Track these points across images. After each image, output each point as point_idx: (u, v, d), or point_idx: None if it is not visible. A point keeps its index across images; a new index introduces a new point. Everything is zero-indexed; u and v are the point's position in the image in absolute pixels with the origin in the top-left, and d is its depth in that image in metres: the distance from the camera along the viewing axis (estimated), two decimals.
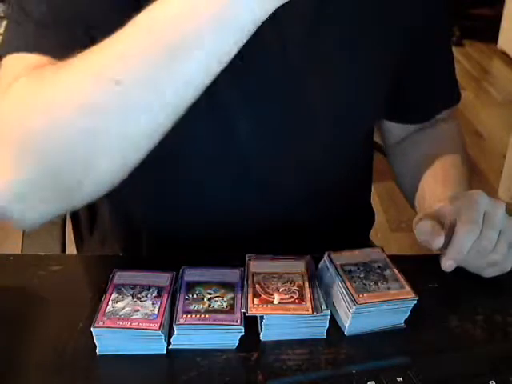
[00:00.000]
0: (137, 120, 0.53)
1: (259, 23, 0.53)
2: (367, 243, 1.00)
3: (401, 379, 0.55)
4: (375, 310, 0.62)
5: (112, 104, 0.52)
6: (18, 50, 0.60)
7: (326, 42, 0.76)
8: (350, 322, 0.63)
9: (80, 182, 0.55)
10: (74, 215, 0.98)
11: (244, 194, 0.82)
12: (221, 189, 0.82)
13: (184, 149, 0.78)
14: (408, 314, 0.64)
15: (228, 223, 0.83)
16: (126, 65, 0.52)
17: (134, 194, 0.85)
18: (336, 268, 0.66)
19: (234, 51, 0.53)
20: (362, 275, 0.65)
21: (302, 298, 0.63)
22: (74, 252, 0.98)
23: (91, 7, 0.62)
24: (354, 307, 0.61)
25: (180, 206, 0.84)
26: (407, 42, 0.82)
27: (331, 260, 0.67)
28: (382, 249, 0.71)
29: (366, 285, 0.64)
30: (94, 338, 0.60)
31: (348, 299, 0.62)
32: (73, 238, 0.98)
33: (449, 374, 0.57)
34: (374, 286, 0.64)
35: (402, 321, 0.64)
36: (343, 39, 0.77)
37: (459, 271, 0.71)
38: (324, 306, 0.62)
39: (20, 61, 0.59)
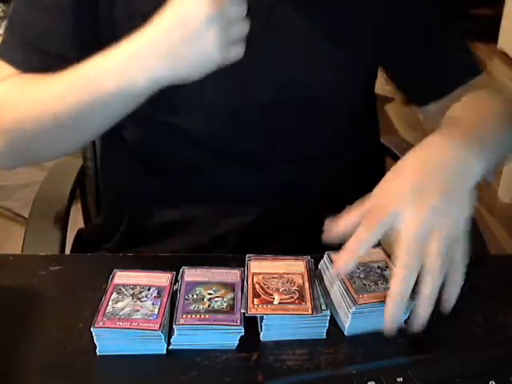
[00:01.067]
0: (69, 138, 0.77)
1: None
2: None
3: (401, 379, 0.55)
4: (375, 310, 0.62)
5: (53, 126, 0.73)
6: (8, 61, 0.78)
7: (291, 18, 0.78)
8: (349, 323, 0.62)
9: (36, 157, 0.82)
10: (84, 197, 1.10)
11: (244, 177, 0.83)
12: (220, 172, 0.83)
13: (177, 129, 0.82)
14: (408, 314, 0.64)
15: (227, 210, 0.83)
16: (59, 106, 0.72)
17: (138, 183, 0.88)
18: None
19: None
20: (361, 275, 0.65)
21: (301, 298, 0.63)
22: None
23: (61, 37, 0.78)
24: (354, 307, 0.61)
25: (180, 192, 0.85)
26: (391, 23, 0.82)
27: (331, 260, 0.67)
28: (383, 249, 0.71)
29: (365, 285, 0.64)
30: (94, 338, 0.60)
31: (348, 299, 0.62)
32: (72, 240, 0.98)
33: (449, 374, 0.57)
34: (373, 287, 0.64)
35: (403, 321, 0.64)
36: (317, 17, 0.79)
37: None
38: (324, 306, 0.62)
39: (6, 68, 0.78)
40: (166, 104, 0.77)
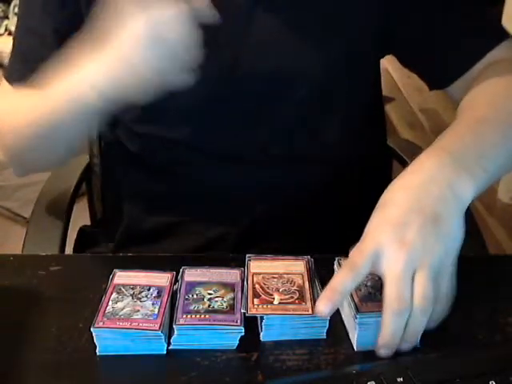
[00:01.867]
0: (52, 150, 0.82)
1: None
2: None
3: (401, 379, 0.55)
4: (381, 320, 0.59)
5: (33, 139, 0.79)
6: (8, 81, 0.84)
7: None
8: (357, 334, 0.61)
9: (34, 168, 0.89)
10: (91, 194, 1.11)
11: (243, 177, 0.83)
12: (219, 173, 0.83)
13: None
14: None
15: (226, 210, 0.83)
16: (31, 130, 0.78)
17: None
18: None
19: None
20: (369, 283, 0.63)
21: (302, 299, 0.63)
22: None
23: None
24: (358, 316, 0.60)
25: (179, 194, 0.85)
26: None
27: (340, 266, 0.66)
28: None
29: (371, 293, 0.62)
30: (94, 338, 0.60)
31: (353, 308, 0.61)
32: (72, 240, 0.98)
33: (449, 374, 0.57)
34: (379, 295, 0.61)
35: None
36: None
37: (459, 271, 0.71)
38: None
39: (6, 85, 0.85)
40: (150, 113, 0.78)
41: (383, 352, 0.59)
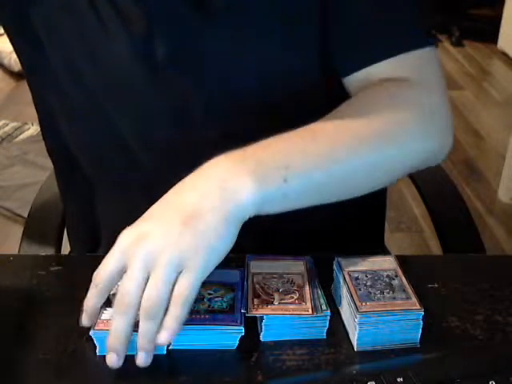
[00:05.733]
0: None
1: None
2: (380, 246, 0.99)
3: (401, 379, 0.55)
4: (381, 320, 0.60)
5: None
6: None
7: None
8: (357, 334, 0.61)
9: None
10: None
11: None
12: None
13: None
14: (419, 330, 0.61)
15: None
16: None
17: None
18: (344, 275, 0.65)
19: None
20: (368, 283, 0.64)
21: (301, 299, 0.63)
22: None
23: None
24: (358, 316, 0.60)
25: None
26: None
27: (340, 266, 0.66)
28: (396, 257, 0.69)
29: (370, 293, 0.62)
30: (94, 339, 0.60)
31: (353, 308, 0.61)
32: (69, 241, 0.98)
33: (449, 374, 0.57)
34: (379, 295, 0.62)
35: (418, 338, 0.62)
36: None
37: (459, 271, 0.71)
38: (324, 306, 0.62)
39: None
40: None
41: (109, 358, 0.56)
